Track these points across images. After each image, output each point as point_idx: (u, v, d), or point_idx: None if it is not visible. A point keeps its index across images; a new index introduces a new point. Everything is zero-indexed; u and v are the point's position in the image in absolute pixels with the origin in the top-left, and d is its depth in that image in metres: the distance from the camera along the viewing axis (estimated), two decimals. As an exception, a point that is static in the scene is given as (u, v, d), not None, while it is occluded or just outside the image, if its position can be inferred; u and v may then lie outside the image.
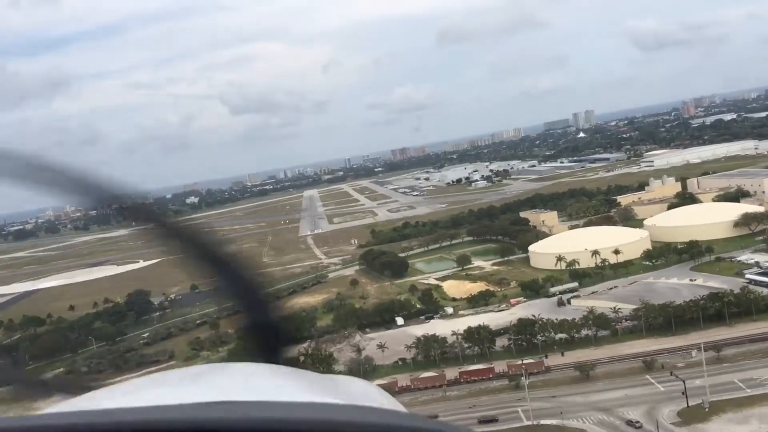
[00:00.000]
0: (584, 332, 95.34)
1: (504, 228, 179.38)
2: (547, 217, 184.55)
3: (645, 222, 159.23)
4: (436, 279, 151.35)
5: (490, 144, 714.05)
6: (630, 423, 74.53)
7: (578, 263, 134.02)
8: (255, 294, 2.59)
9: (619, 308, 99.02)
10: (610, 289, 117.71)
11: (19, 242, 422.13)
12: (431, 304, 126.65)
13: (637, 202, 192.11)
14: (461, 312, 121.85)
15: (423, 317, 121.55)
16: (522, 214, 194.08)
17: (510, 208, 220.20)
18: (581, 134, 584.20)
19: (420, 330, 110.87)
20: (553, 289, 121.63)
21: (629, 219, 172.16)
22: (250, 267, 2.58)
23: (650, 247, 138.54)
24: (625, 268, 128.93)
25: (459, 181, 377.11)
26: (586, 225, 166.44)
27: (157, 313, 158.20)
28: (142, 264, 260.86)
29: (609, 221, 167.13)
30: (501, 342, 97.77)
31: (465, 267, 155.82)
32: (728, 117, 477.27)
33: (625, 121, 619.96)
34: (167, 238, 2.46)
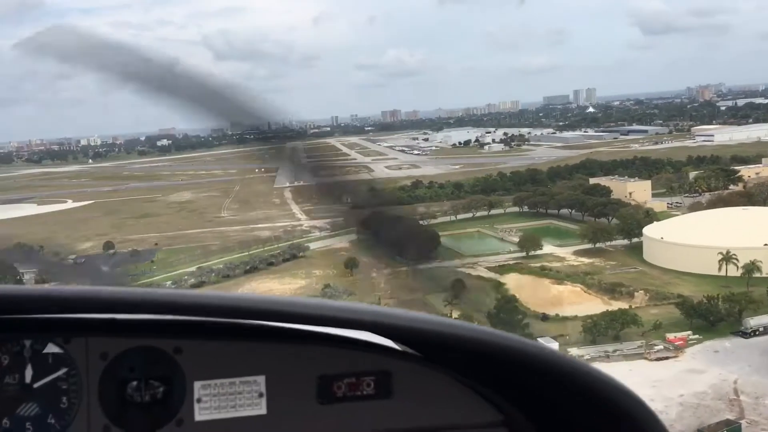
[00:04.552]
0: None
1: (575, 198, 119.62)
2: (638, 187, 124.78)
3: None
4: (487, 268, 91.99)
5: (487, 114, 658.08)
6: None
7: (759, 269, 74.90)
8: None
9: None
10: None
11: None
12: (502, 324, 66.86)
13: (755, 178, 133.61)
14: (569, 348, 62.28)
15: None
16: (594, 181, 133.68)
17: (558, 173, 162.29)
18: (590, 109, 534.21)
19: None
20: (754, 322, 62.30)
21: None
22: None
23: None
24: None
25: (467, 142, 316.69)
26: (712, 204, 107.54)
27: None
28: (69, 205, 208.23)
29: (749, 200, 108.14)
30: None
31: (531, 254, 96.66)
32: (758, 101, 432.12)
33: (632, 101, 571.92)
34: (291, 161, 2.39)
